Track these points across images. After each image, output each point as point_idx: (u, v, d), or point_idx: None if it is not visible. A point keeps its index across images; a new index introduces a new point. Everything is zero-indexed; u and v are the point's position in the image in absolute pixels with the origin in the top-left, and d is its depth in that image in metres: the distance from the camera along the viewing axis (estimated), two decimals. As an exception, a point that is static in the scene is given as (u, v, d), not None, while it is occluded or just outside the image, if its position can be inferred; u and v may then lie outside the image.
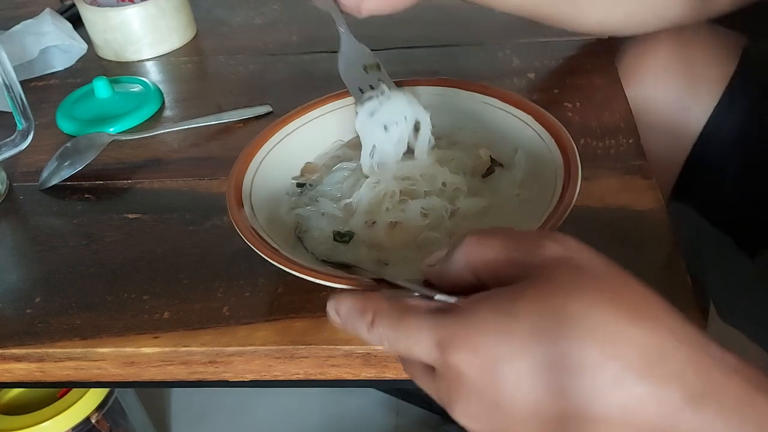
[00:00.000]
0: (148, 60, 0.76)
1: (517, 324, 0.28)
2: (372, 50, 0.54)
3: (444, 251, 0.34)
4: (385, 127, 0.49)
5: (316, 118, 0.53)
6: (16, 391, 0.96)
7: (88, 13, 0.75)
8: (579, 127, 0.55)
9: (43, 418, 0.90)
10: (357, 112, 0.49)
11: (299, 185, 0.51)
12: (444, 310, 0.31)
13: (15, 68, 0.55)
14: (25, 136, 0.56)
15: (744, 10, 0.59)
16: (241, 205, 0.45)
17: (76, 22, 0.79)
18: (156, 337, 0.43)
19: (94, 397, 0.95)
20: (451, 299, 0.31)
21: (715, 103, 0.62)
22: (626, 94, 0.59)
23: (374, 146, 0.49)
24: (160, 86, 0.69)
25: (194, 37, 0.79)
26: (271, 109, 0.63)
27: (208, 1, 0.86)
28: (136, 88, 0.69)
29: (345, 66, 0.53)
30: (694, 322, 0.28)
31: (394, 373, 0.42)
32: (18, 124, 0.56)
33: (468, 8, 0.63)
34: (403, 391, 1.16)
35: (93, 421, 0.95)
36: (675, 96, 0.63)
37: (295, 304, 0.43)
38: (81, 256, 0.50)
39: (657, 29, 0.62)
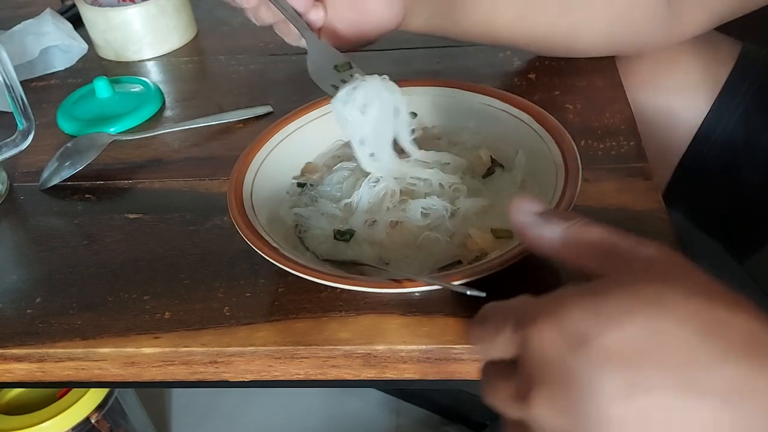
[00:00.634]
0: (148, 60, 0.76)
1: (607, 304, 0.27)
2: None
3: (539, 205, 0.34)
4: (362, 111, 0.47)
5: (317, 118, 0.53)
6: (16, 391, 0.96)
7: (88, 13, 0.75)
8: (579, 128, 0.55)
9: (43, 418, 0.90)
10: (332, 104, 0.48)
11: (300, 185, 0.51)
12: (529, 300, 0.30)
13: (15, 68, 0.55)
14: (25, 136, 0.57)
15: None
16: (241, 205, 0.45)
17: (77, 22, 0.79)
18: (156, 338, 0.43)
19: (94, 398, 0.95)
20: (483, 294, 0.32)
21: (708, 109, 0.62)
22: None
23: (361, 138, 0.48)
24: (161, 86, 0.69)
25: (195, 37, 0.79)
26: (271, 110, 0.63)
27: (209, 1, 0.86)
28: (137, 88, 0.69)
29: (314, 68, 0.52)
30: None
31: (394, 373, 0.42)
32: (18, 124, 0.56)
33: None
34: (403, 391, 1.16)
35: (93, 421, 0.95)
36: (665, 101, 0.63)
37: (295, 304, 0.43)
38: (81, 256, 0.50)
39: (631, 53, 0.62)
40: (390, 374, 0.42)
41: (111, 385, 0.56)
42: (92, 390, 0.94)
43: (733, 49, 0.64)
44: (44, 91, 0.72)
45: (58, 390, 0.94)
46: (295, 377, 0.43)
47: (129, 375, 0.44)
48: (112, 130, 0.63)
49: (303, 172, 0.52)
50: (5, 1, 0.93)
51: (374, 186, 0.47)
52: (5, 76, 0.54)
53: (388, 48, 0.69)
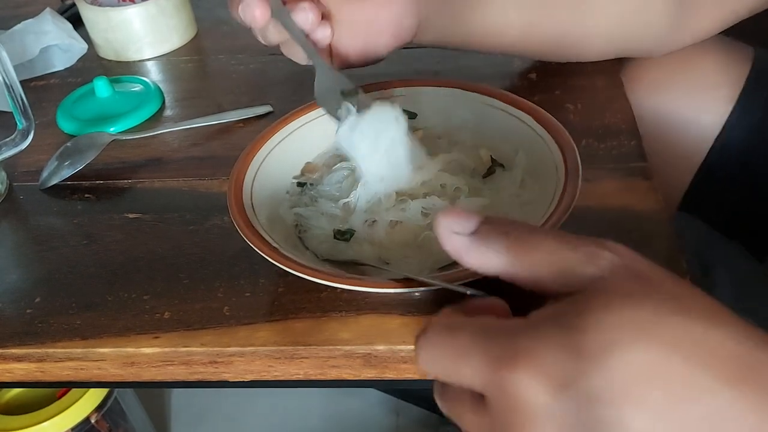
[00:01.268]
0: (148, 59, 0.76)
1: (585, 338, 0.25)
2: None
3: (471, 221, 0.31)
4: (371, 138, 0.47)
5: (317, 118, 0.53)
6: (15, 391, 0.96)
7: (88, 12, 0.75)
8: (580, 128, 0.55)
9: (42, 418, 0.90)
10: (338, 129, 0.48)
11: (300, 185, 0.51)
12: (499, 328, 0.28)
13: (15, 68, 0.55)
14: (25, 136, 0.56)
15: (750, 20, 0.58)
16: (241, 204, 0.45)
17: (77, 21, 0.79)
18: (156, 337, 0.43)
19: (93, 398, 0.95)
20: (483, 294, 0.30)
21: (727, 114, 0.62)
22: (632, 101, 0.58)
23: (381, 176, 0.47)
24: (161, 86, 0.69)
25: (195, 37, 0.79)
26: (271, 109, 0.63)
27: (209, 1, 0.86)
28: (137, 87, 0.69)
29: (320, 92, 0.51)
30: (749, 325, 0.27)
31: (394, 373, 0.42)
32: (18, 123, 0.56)
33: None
34: (403, 391, 1.16)
35: (92, 421, 0.95)
36: (682, 105, 0.62)
37: (295, 304, 0.43)
38: (81, 256, 0.50)
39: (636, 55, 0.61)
40: (390, 374, 0.42)
41: (110, 385, 0.56)
42: (92, 390, 0.94)
43: (748, 51, 0.64)
44: (44, 90, 0.72)
45: (58, 390, 0.94)
46: (295, 377, 0.43)
47: (128, 375, 0.44)
48: (111, 129, 0.63)
49: (303, 172, 0.52)
50: (5, 0, 0.93)
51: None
52: (5, 76, 0.54)
53: (388, 48, 0.69)
